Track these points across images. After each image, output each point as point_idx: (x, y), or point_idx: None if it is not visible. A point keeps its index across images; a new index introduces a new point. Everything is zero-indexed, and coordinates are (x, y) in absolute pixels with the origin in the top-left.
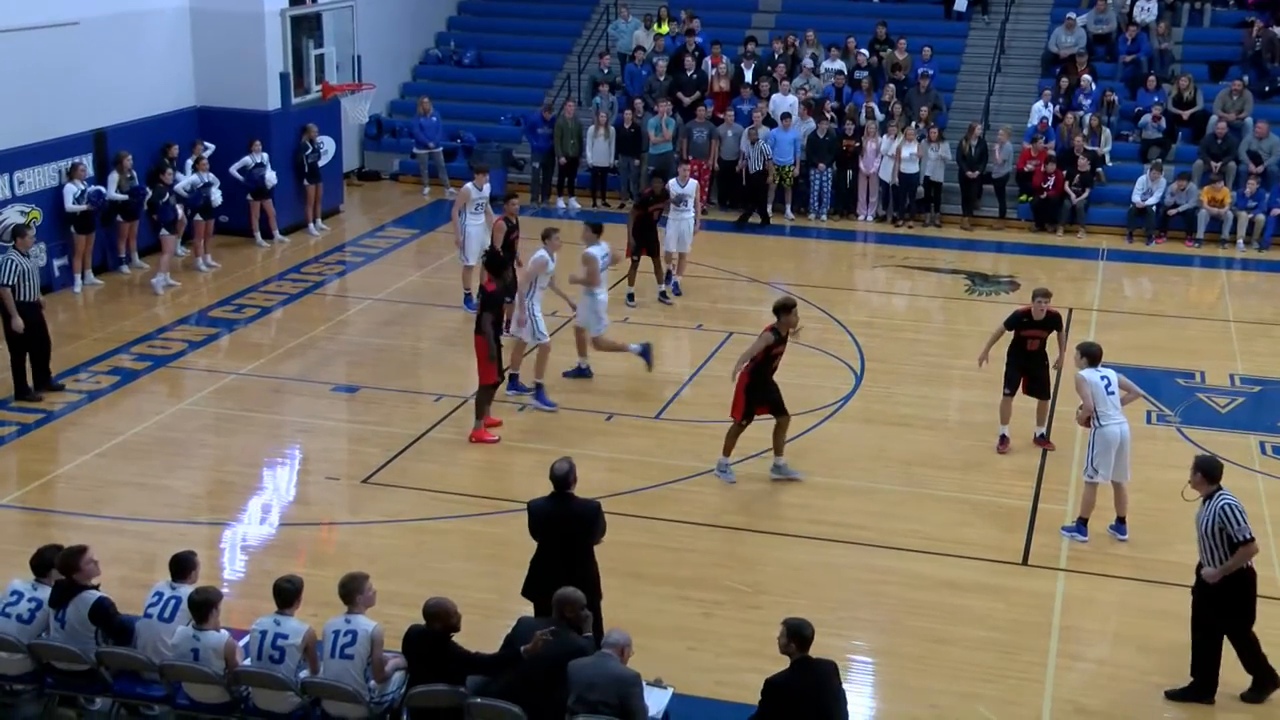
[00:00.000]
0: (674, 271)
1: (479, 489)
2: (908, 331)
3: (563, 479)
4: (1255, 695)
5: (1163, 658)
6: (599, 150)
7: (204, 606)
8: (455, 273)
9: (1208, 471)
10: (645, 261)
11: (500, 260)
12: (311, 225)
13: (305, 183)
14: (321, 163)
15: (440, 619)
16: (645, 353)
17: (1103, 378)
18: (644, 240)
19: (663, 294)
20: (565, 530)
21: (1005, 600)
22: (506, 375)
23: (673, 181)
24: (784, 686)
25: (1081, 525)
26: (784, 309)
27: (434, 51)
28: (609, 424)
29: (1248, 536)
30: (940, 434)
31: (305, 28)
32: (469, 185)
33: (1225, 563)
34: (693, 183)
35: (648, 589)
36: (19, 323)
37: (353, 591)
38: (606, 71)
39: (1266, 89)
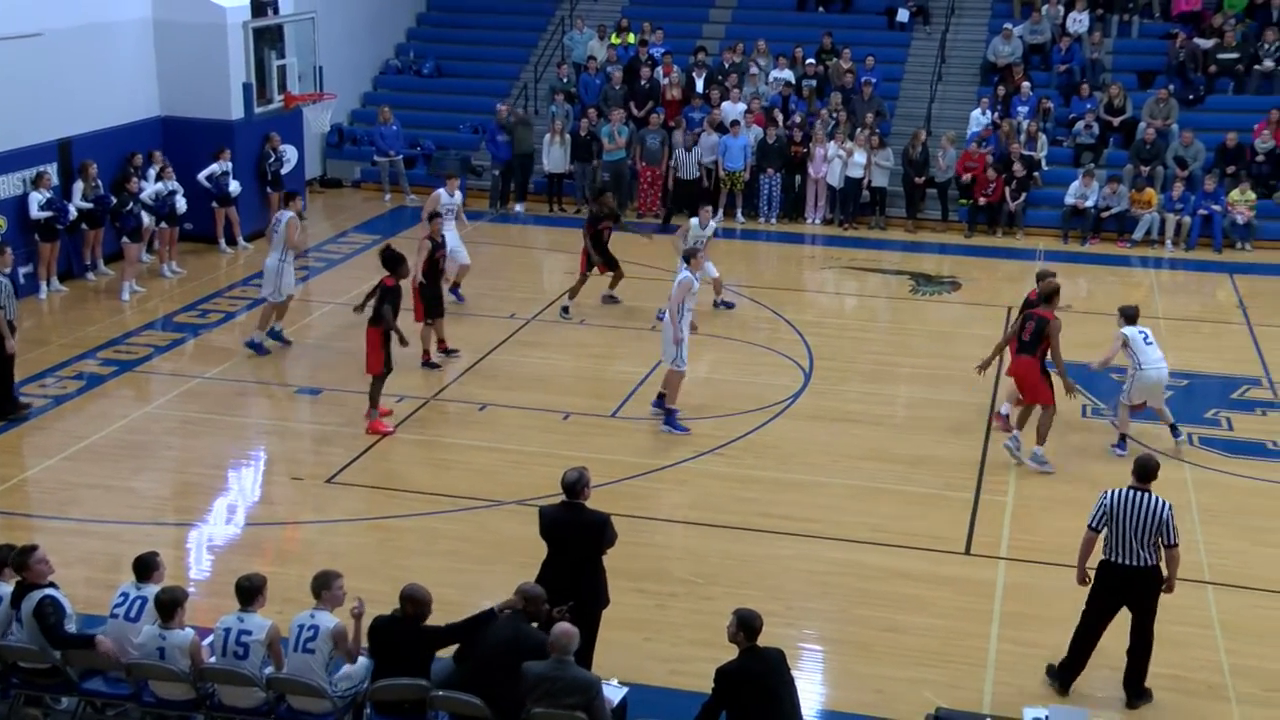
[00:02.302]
0: (717, 292)
1: (438, 487)
2: (855, 330)
3: (570, 488)
4: (1057, 675)
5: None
6: (555, 157)
7: (170, 606)
8: None
9: (1138, 472)
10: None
11: (396, 257)
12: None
13: (268, 190)
14: (284, 171)
15: (415, 604)
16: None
17: (1140, 331)
18: (602, 257)
19: (611, 297)
20: (574, 539)
21: (950, 588)
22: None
23: (693, 221)
24: (735, 674)
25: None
26: (1054, 294)
27: (394, 62)
28: (566, 423)
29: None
30: (887, 429)
31: (267, 39)
32: (440, 191)
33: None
34: (712, 224)
35: None
36: (12, 344)
37: (321, 588)
38: (565, 81)
39: (1190, 97)
